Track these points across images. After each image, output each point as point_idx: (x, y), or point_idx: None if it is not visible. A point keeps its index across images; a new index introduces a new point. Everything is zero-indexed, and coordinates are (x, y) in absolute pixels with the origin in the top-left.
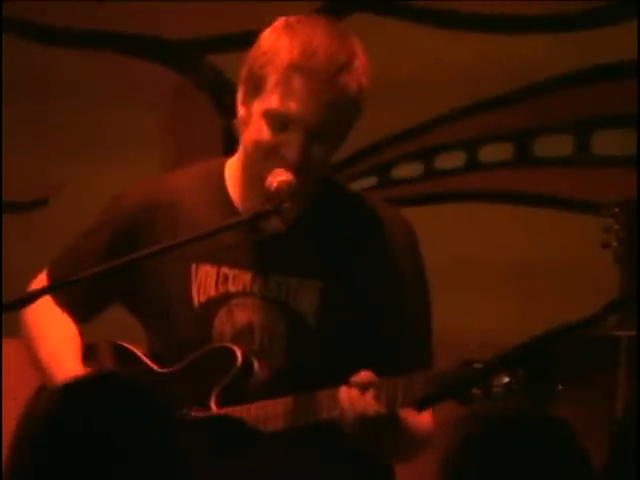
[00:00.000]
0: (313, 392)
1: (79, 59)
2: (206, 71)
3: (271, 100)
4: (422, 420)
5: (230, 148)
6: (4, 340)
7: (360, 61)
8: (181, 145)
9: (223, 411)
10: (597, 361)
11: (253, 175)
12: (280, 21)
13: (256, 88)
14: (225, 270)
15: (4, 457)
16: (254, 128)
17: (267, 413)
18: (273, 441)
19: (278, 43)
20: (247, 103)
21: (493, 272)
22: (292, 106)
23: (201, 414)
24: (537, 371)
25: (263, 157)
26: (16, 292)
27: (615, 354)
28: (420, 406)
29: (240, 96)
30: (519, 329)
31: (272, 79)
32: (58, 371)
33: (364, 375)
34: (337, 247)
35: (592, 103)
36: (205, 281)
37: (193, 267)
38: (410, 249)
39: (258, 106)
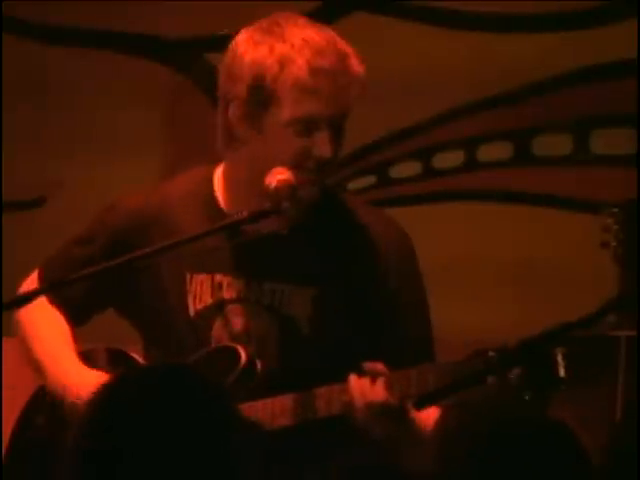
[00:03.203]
0: (323, 386)
1: (79, 59)
2: (205, 70)
3: (295, 109)
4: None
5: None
6: (4, 339)
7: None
8: (181, 145)
9: None
10: (596, 361)
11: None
12: (253, 32)
13: (265, 103)
14: (219, 277)
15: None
16: (276, 140)
17: (275, 409)
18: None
19: (274, 52)
20: (252, 119)
21: (492, 271)
22: (319, 107)
23: None
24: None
25: (291, 163)
26: (16, 292)
27: (614, 354)
28: (434, 398)
29: (238, 112)
30: (519, 328)
31: (287, 89)
32: (58, 372)
33: (377, 365)
34: (331, 255)
35: (591, 102)
36: (200, 290)
37: (187, 277)
38: (406, 253)
39: (274, 118)
